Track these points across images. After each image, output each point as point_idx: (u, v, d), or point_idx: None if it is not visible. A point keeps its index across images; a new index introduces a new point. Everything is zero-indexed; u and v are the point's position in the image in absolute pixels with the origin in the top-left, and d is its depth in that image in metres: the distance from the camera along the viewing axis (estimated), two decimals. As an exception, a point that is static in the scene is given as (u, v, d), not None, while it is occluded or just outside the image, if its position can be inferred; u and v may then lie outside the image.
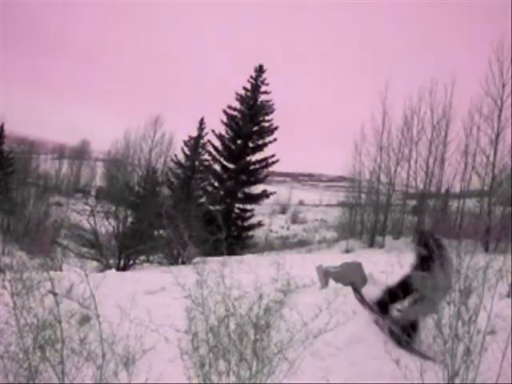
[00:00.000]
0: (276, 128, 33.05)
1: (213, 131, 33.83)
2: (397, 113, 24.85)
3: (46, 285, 3.54)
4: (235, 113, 33.26)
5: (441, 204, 22.91)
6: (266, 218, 35.75)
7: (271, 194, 34.00)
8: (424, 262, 5.32)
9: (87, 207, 20.96)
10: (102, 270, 14.20)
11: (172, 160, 36.24)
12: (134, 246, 18.24)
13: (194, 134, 36.24)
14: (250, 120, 32.72)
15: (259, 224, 32.77)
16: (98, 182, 47.07)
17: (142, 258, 19.33)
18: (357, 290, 6.10)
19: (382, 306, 5.64)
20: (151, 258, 19.51)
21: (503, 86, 20.57)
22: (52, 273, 3.88)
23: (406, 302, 5.38)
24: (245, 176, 32.78)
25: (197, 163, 34.12)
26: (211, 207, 29.68)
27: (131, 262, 18.70)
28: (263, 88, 33.14)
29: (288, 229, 44.96)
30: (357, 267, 8.11)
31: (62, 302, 3.46)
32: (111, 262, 18.07)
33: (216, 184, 33.27)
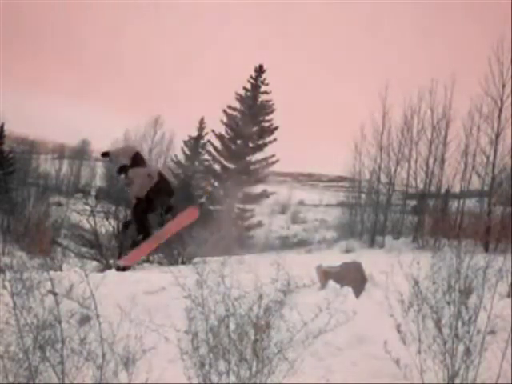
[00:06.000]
0: (276, 128, 33.08)
1: (213, 131, 33.88)
2: (397, 113, 24.84)
3: (45, 285, 3.54)
4: (235, 113, 33.29)
5: (441, 204, 22.89)
6: (266, 218, 35.72)
7: (271, 193, 34.04)
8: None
9: (87, 207, 20.93)
10: (102, 270, 14.18)
11: (172, 160, 36.24)
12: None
13: (194, 134, 36.28)
14: (250, 120, 32.74)
15: (259, 224, 32.79)
16: (98, 182, 46.97)
17: (142, 257, 19.30)
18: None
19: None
20: (151, 257, 19.49)
21: (503, 86, 20.56)
22: (52, 273, 3.88)
23: None
24: (245, 176, 32.79)
25: (197, 163, 34.14)
26: (211, 207, 29.72)
27: (131, 261, 18.66)
28: (263, 88, 33.19)
29: (288, 229, 44.92)
30: (357, 267, 8.12)
31: (61, 302, 3.46)
32: (111, 261, 18.05)
33: (216, 184, 33.30)
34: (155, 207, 7.09)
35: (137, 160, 7.03)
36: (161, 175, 7.17)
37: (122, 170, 7.24)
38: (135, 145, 7.51)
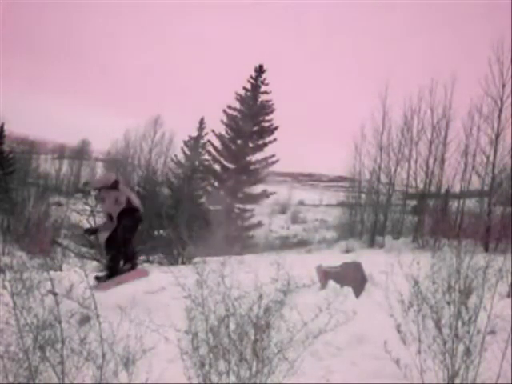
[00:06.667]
0: (276, 128, 33.08)
1: (213, 131, 33.89)
2: (397, 113, 24.84)
3: (45, 285, 3.54)
4: (235, 113, 33.29)
5: (441, 204, 22.87)
6: (266, 218, 35.72)
7: (271, 193, 34.05)
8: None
9: (87, 207, 20.93)
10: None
11: (172, 160, 36.26)
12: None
13: (194, 134, 36.31)
14: (250, 120, 32.74)
15: (259, 224, 32.80)
16: (98, 182, 46.88)
17: (142, 258, 19.29)
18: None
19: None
20: (151, 257, 19.48)
21: (503, 86, 20.53)
22: (52, 273, 3.88)
23: None
24: (245, 176, 32.80)
25: (197, 163, 34.14)
26: (211, 207, 29.71)
27: (131, 261, 18.63)
28: (263, 88, 33.18)
29: (288, 229, 44.93)
30: (357, 267, 8.12)
31: (61, 302, 3.45)
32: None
33: (216, 184, 33.31)
34: (119, 235, 7.31)
35: (112, 184, 7.42)
36: (129, 202, 7.36)
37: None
38: (113, 174, 8.21)
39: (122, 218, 7.34)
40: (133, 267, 7.61)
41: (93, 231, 9.06)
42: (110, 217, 7.56)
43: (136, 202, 7.57)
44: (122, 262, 7.64)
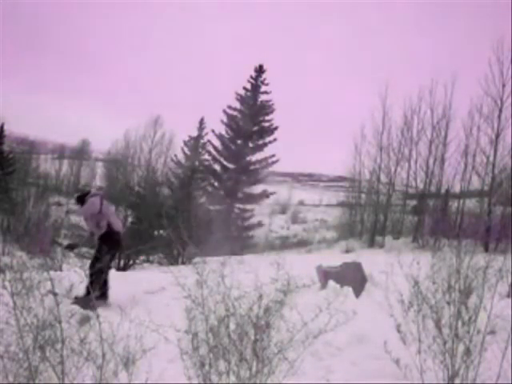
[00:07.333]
0: (276, 128, 33.10)
1: (213, 131, 33.92)
2: (397, 113, 24.88)
3: (46, 285, 3.54)
4: (235, 113, 33.31)
5: (441, 204, 22.88)
6: (265, 218, 35.74)
7: (271, 193, 34.06)
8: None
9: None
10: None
11: (172, 160, 36.28)
12: (134, 246, 18.22)
13: (194, 134, 36.34)
14: (250, 120, 32.75)
15: (259, 224, 32.81)
16: (98, 182, 47.00)
17: (142, 258, 19.31)
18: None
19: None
20: (151, 258, 19.48)
21: (503, 86, 20.55)
22: (52, 273, 3.87)
23: None
24: (245, 176, 32.81)
25: (197, 163, 34.14)
26: (211, 207, 29.71)
27: (131, 261, 18.68)
28: (263, 88, 33.19)
29: (288, 229, 44.93)
30: (357, 267, 8.13)
31: (61, 302, 3.45)
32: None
33: (216, 184, 33.32)
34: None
35: (98, 211, 7.45)
36: (109, 226, 7.39)
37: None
38: (97, 200, 7.92)
39: (103, 242, 7.33)
40: (102, 295, 7.17)
41: (73, 247, 9.13)
42: (91, 233, 7.58)
43: (117, 225, 7.60)
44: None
